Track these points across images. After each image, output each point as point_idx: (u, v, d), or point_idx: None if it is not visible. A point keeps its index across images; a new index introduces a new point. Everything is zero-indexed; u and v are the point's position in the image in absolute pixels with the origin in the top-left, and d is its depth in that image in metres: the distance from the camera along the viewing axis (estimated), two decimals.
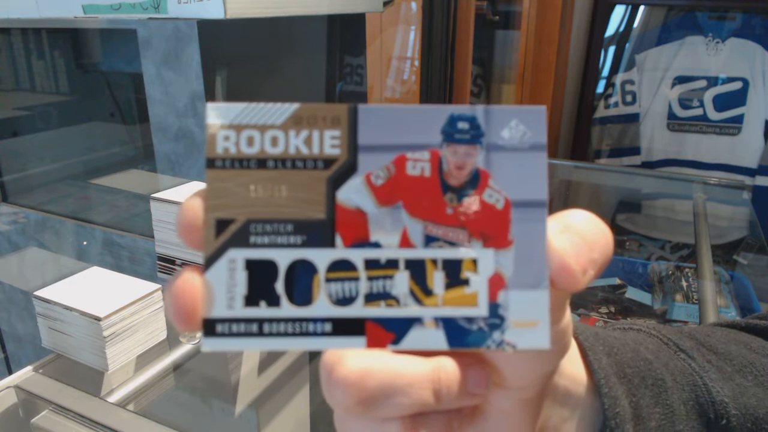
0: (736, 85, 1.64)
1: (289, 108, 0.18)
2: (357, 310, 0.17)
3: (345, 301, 0.17)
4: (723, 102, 1.66)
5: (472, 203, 0.18)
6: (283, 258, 0.17)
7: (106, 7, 0.77)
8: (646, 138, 1.77)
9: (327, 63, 1.11)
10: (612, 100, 1.79)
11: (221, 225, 0.17)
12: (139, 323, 0.62)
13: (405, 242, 0.18)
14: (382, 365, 0.18)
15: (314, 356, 1.06)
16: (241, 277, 0.17)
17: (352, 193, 0.17)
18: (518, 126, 0.18)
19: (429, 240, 0.18)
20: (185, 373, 0.70)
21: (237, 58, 0.90)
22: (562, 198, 1.82)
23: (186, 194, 0.73)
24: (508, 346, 0.18)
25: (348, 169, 0.17)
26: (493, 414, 0.21)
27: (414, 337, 0.18)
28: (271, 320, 0.17)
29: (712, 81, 1.67)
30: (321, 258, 0.17)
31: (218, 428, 0.90)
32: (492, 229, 0.18)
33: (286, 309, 0.17)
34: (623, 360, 0.26)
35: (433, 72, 1.37)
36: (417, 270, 0.18)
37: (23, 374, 0.60)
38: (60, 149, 1.28)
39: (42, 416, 0.54)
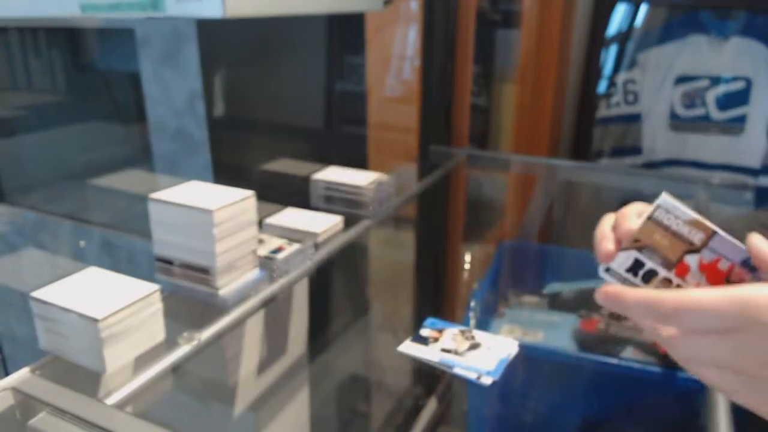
0: (740, 85, 1.64)
1: (697, 235, 0.40)
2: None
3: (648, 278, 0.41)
4: (726, 101, 1.66)
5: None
6: (647, 264, 0.40)
7: (104, 5, 0.77)
8: (648, 138, 1.76)
9: (327, 62, 1.11)
10: (614, 100, 1.78)
11: (637, 241, 0.41)
12: (137, 325, 0.62)
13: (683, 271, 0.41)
14: None
15: (313, 358, 1.06)
16: (631, 260, 0.41)
17: (691, 261, 0.40)
18: None
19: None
20: (184, 375, 0.70)
21: (236, 57, 0.90)
22: (563, 199, 1.81)
23: (184, 193, 0.72)
24: None
25: (694, 251, 0.40)
26: None
27: None
28: (624, 280, 0.41)
29: (715, 80, 1.66)
30: (661, 271, 0.40)
31: (217, 430, 0.89)
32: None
33: (636, 281, 0.41)
34: None
35: (434, 71, 1.37)
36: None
37: (20, 376, 0.59)
38: (57, 149, 1.28)
39: (39, 418, 0.54)
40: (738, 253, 0.38)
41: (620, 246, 0.41)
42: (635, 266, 0.40)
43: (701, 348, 0.36)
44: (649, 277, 0.40)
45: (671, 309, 0.36)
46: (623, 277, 0.40)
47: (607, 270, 0.41)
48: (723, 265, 0.39)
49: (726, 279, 0.39)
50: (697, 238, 0.39)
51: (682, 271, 0.39)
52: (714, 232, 0.39)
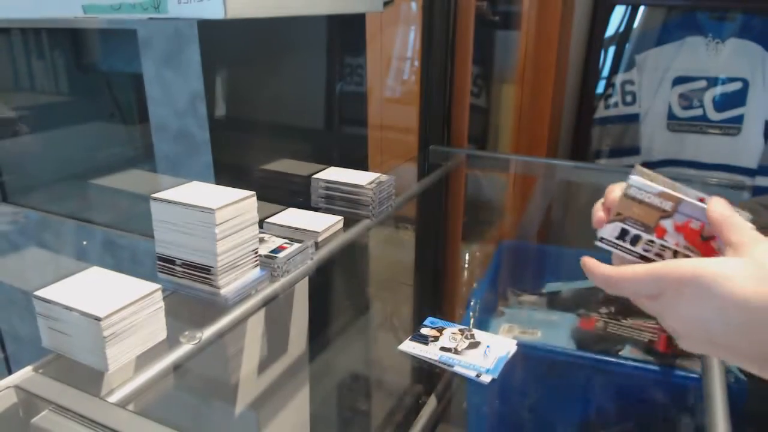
0: (736, 86, 1.64)
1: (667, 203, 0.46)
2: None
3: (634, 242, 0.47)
4: (723, 102, 1.66)
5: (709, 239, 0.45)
6: (632, 231, 0.47)
7: (106, 7, 0.77)
8: (646, 138, 1.77)
9: (327, 63, 1.11)
10: (612, 101, 1.79)
11: (619, 214, 0.47)
12: (139, 323, 0.62)
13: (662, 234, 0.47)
14: None
15: (314, 356, 1.06)
16: (618, 230, 0.47)
17: (667, 224, 0.46)
18: None
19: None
20: (185, 373, 0.70)
21: (237, 58, 0.90)
22: (562, 199, 1.82)
23: (186, 193, 0.73)
24: None
25: (667, 217, 0.46)
26: None
27: None
28: (616, 245, 0.48)
29: (712, 81, 1.67)
30: (644, 235, 0.46)
31: (218, 428, 0.90)
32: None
33: (625, 245, 0.47)
34: None
35: (433, 72, 1.37)
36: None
37: (23, 374, 0.60)
38: (60, 149, 1.28)
39: (42, 416, 0.54)
40: (704, 213, 0.45)
41: (610, 214, 0.49)
42: (622, 234, 0.48)
43: (652, 309, 0.44)
44: (635, 240, 0.48)
45: (615, 281, 0.45)
46: (615, 243, 0.48)
47: (602, 239, 0.48)
48: (695, 225, 0.46)
49: (700, 235, 0.46)
50: (667, 205, 0.46)
51: (661, 233, 0.47)
52: (680, 200, 0.46)
